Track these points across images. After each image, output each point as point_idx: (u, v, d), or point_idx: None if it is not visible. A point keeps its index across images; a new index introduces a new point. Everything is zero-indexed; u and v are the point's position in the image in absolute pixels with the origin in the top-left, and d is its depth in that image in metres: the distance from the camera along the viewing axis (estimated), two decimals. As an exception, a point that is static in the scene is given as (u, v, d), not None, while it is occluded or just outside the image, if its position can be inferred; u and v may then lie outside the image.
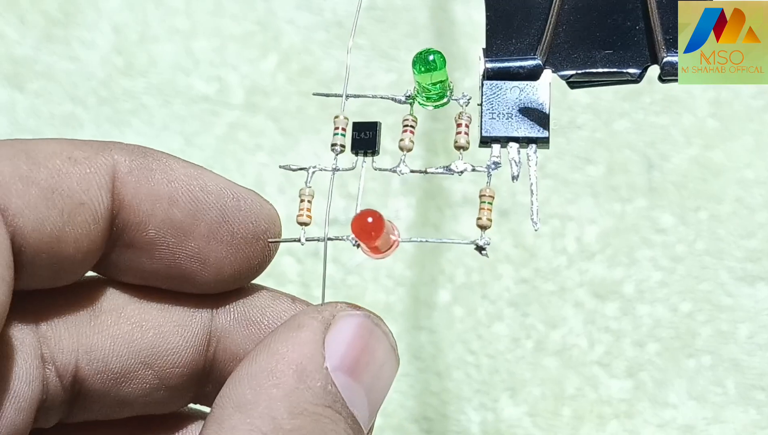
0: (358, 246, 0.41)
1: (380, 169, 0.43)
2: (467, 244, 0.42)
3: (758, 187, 0.81)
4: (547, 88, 0.43)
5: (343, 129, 0.43)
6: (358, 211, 0.40)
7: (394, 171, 0.43)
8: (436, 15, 0.86)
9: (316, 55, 0.86)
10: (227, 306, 0.40)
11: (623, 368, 0.77)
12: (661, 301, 0.78)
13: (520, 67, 0.43)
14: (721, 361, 0.77)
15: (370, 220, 0.39)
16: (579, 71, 0.43)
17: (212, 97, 0.85)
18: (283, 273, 0.77)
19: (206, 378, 0.39)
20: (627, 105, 0.83)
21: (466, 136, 0.43)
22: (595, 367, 0.77)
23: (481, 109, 0.42)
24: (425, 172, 0.43)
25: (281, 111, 0.84)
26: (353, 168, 0.43)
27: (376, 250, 0.41)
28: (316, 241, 0.42)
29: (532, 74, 0.43)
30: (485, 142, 0.43)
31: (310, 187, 0.42)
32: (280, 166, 0.43)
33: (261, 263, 0.40)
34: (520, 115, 0.42)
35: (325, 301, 0.41)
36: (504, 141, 0.43)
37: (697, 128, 0.83)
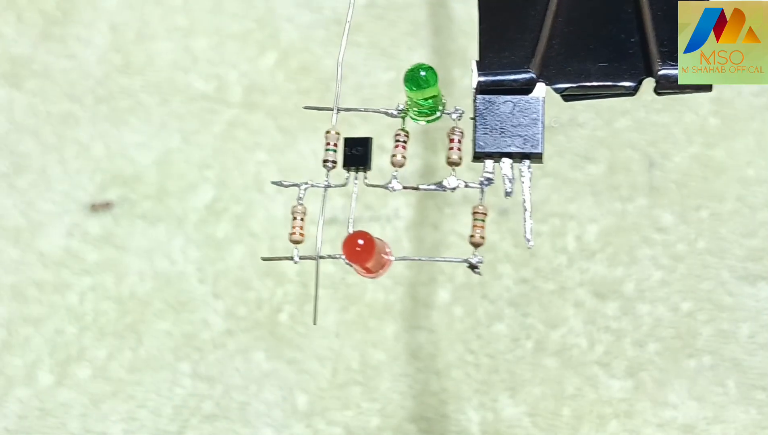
0: (351, 265, 0.41)
1: (372, 186, 0.43)
2: (460, 262, 0.41)
3: (760, 186, 0.80)
4: (541, 102, 0.42)
5: (335, 144, 0.43)
6: (350, 232, 0.39)
7: (386, 187, 0.43)
8: (435, 12, 0.85)
9: (316, 53, 0.86)
10: None
11: (623, 368, 0.77)
12: (661, 300, 0.78)
13: (514, 80, 0.42)
14: (722, 361, 0.77)
15: (360, 242, 0.39)
16: (573, 84, 0.42)
17: (211, 95, 0.85)
18: (283, 273, 0.77)
19: None
20: (628, 103, 0.83)
21: (458, 151, 0.42)
22: (595, 366, 0.77)
23: (475, 123, 0.42)
24: (417, 188, 0.43)
25: (280, 109, 0.84)
26: (345, 184, 0.42)
27: (368, 271, 0.41)
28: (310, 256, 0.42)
29: (526, 88, 0.42)
30: (478, 157, 0.42)
31: (302, 204, 0.42)
32: (272, 182, 0.42)
33: None
34: (514, 130, 0.42)
35: (320, 301, 0.41)
36: (497, 156, 0.42)
37: (698, 126, 0.82)
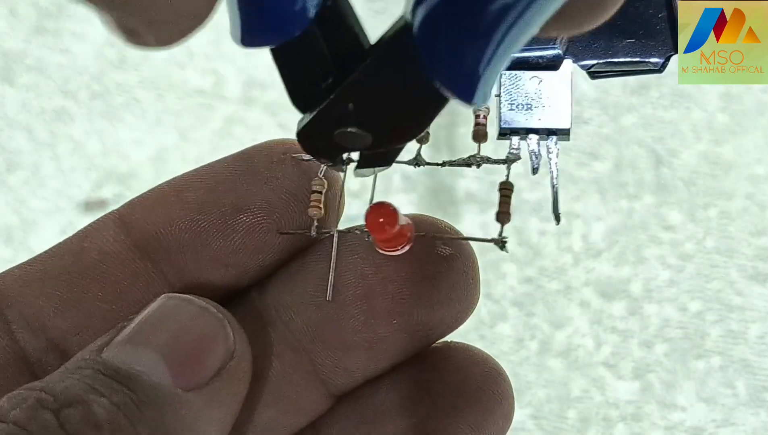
0: (368, 237, 0.39)
1: (397, 162, 0.41)
2: (487, 241, 0.40)
3: (769, 184, 0.80)
4: (568, 78, 0.41)
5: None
6: (373, 203, 0.38)
7: (411, 164, 0.41)
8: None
9: (315, 48, 0.85)
10: None
11: (630, 369, 0.76)
12: (669, 300, 0.77)
13: (540, 57, 0.41)
14: (731, 362, 0.76)
15: (384, 212, 0.37)
16: (600, 60, 0.41)
17: (208, 91, 0.84)
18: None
19: None
20: (635, 99, 0.82)
21: (484, 127, 0.41)
22: (602, 368, 0.76)
23: (500, 100, 0.41)
24: (443, 164, 0.41)
25: (279, 105, 0.82)
26: None
27: (389, 244, 0.39)
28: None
29: (552, 64, 0.41)
30: (504, 134, 0.41)
31: (322, 178, 0.40)
32: (292, 156, 0.41)
33: None
34: (540, 106, 0.41)
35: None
36: (523, 132, 0.41)
37: (706, 123, 0.82)
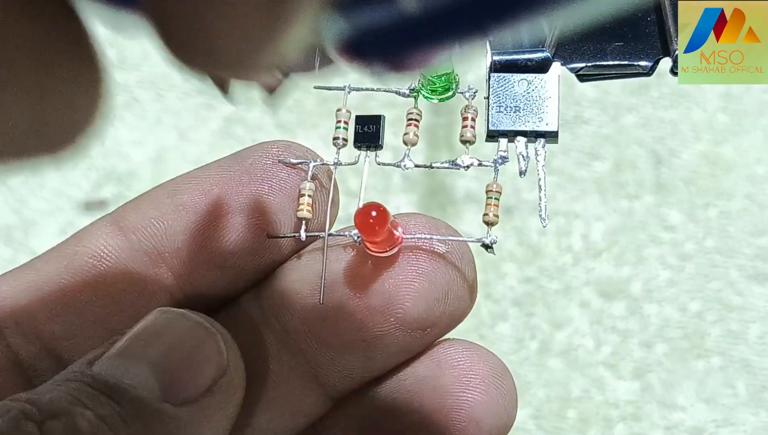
0: (361, 242, 0.39)
1: (384, 164, 0.41)
2: (473, 241, 0.40)
3: (769, 184, 0.80)
4: (556, 81, 0.41)
5: (346, 122, 0.41)
6: (361, 205, 0.38)
7: (399, 166, 0.41)
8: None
9: (315, 48, 0.84)
10: None
11: (630, 369, 0.75)
12: (669, 300, 0.77)
13: (529, 59, 0.41)
14: (731, 362, 0.76)
15: (374, 214, 0.37)
16: (589, 63, 0.41)
17: (207, 91, 0.83)
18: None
19: None
20: (635, 99, 0.82)
21: (472, 130, 0.41)
22: (602, 368, 0.75)
23: (488, 102, 0.41)
24: (431, 166, 0.41)
25: (279, 105, 0.82)
26: (356, 162, 0.41)
27: (379, 246, 0.39)
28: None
29: (541, 67, 0.41)
30: (492, 136, 0.41)
31: (310, 181, 0.40)
32: (278, 161, 0.41)
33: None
34: (529, 109, 0.40)
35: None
36: (511, 135, 0.41)
37: (706, 123, 0.81)
